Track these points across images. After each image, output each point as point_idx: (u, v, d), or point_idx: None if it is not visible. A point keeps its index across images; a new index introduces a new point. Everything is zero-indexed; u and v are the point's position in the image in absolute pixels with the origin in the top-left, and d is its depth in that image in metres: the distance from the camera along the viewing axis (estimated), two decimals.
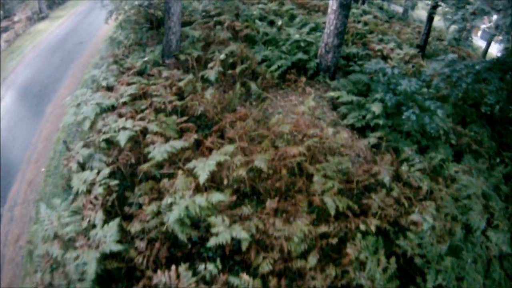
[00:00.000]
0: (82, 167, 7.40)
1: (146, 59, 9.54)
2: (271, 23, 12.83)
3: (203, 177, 6.15)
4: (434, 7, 14.62)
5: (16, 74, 13.67)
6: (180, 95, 8.93)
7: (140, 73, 9.61)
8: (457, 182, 7.58)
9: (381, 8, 20.73)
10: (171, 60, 10.10)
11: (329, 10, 10.31)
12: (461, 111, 11.07)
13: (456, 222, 6.75)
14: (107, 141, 7.44)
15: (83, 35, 15.71)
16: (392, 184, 7.05)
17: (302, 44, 10.98)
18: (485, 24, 18.13)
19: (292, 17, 13.34)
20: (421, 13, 20.05)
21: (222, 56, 9.62)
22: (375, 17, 17.28)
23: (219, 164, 6.54)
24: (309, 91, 10.40)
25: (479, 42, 24.31)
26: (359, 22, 15.70)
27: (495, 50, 19.57)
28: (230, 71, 9.59)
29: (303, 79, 10.44)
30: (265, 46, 11.36)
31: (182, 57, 9.96)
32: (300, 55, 10.55)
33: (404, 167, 7.55)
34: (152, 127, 7.32)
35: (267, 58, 10.74)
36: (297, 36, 11.14)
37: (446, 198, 7.02)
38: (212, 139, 7.56)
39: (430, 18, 14.93)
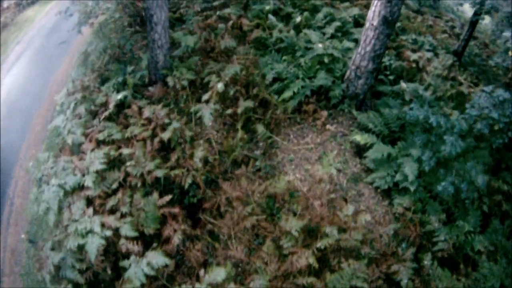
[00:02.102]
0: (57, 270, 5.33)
1: (120, 96, 6.52)
2: (288, 17, 9.45)
3: None
4: (476, 13, 11.08)
5: None
6: (164, 148, 6.21)
7: (117, 110, 6.67)
8: (478, 270, 5.90)
9: None
10: (156, 88, 6.99)
11: (367, 25, 7.05)
12: (497, 154, 8.37)
13: None
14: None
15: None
16: (409, 283, 5.42)
17: (326, 59, 7.81)
18: None
19: (314, 9, 9.86)
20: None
21: (220, 86, 6.56)
22: (406, 6, 13.57)
23: None
24: (329, 129, 7.52)
25: None
26: None
27: None
28: (230, 110, 6.62)
29: (324, 113, 7.44)
30: (278, 54, 8.22)
31: (171, 81, 6.85)
32: (322, 78, 7.39)
33: (427, 261, 5.75)
34: (126, 228, 5.01)
35: (280, 76, 7.68)
36: (319, 47, 7.91)
37: None
38: (200, 245, 5.11)
39: (473, 24, 11.39)
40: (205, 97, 6.66)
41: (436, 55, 11.01)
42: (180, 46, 7.71)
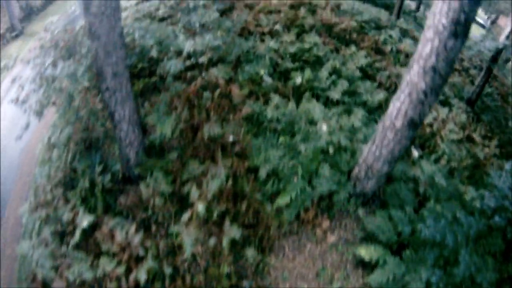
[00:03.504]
0: None
1: (86, 224, 4.75)
2: (286, 74, 7.41)
3: None
4: (495, 60, 9.16)
5: None
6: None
7: (87, 230, 4.93)
8: None
9: (415, 19, 14.17)
10: (128, 197, 5.20)
11: (387, 123, 5.16)
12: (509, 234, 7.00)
13: None
14: None
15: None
16: None
17: (331, 149, 6.01)
18: None
19: (317, 61, 7.81)
20: None
21: (201, 209, 4.77)
22: (413, 38, 11.35)
23: None
24: (330, 238, 5.87)
25: None
26: (397, 52, 10.06)
27: None
28: (214, 240, 4.86)
29: (326, 222, 5.78)
30: (275, 134, 6.35)
31: (144, 191, 5.05)
32: (325, 179, 5.65)
33: None
34: None
35: (275, 171, 5.91)
36: (323, 130, 6.08)
37: None
38: None
39: (489, 70, 9.48)
40: (184, 217, 4.95)
41: (450, 106, 9.18)
42: (156, 134, 5.79)
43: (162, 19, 8.59)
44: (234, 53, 6.72)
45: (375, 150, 5.41)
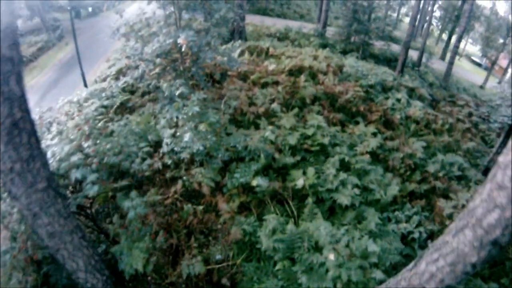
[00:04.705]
0: None
1: None
2: (284, 171, 5.96)
3: None
4: None
5: None
6: None
7: None
8: None
9: (419, 73, 12.89)
10: None
11: (415, 283, 3.70)
12: None
13: None
14: None
15: None
16: None
17: (339, 284, 4.62)
18: None
19: (322, 150, 6.40)
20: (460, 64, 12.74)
21: None
22: (420, 98, 10.00)
23: None
24: None
25: None
26: (407, 119, 8.68)
27: None
28: None
29: None
30: (270, 260, 4.93)
31: None
32: None
33: None
34: None
35: None
36: (331, 259, 4.68)
37: None
38: None
39: (507, 137, 8.30)
40: None
41: (467, 182, 7.78)
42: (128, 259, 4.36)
43: (144, 94, 7.27)
44: (221, 155, 5.32)
45: None
